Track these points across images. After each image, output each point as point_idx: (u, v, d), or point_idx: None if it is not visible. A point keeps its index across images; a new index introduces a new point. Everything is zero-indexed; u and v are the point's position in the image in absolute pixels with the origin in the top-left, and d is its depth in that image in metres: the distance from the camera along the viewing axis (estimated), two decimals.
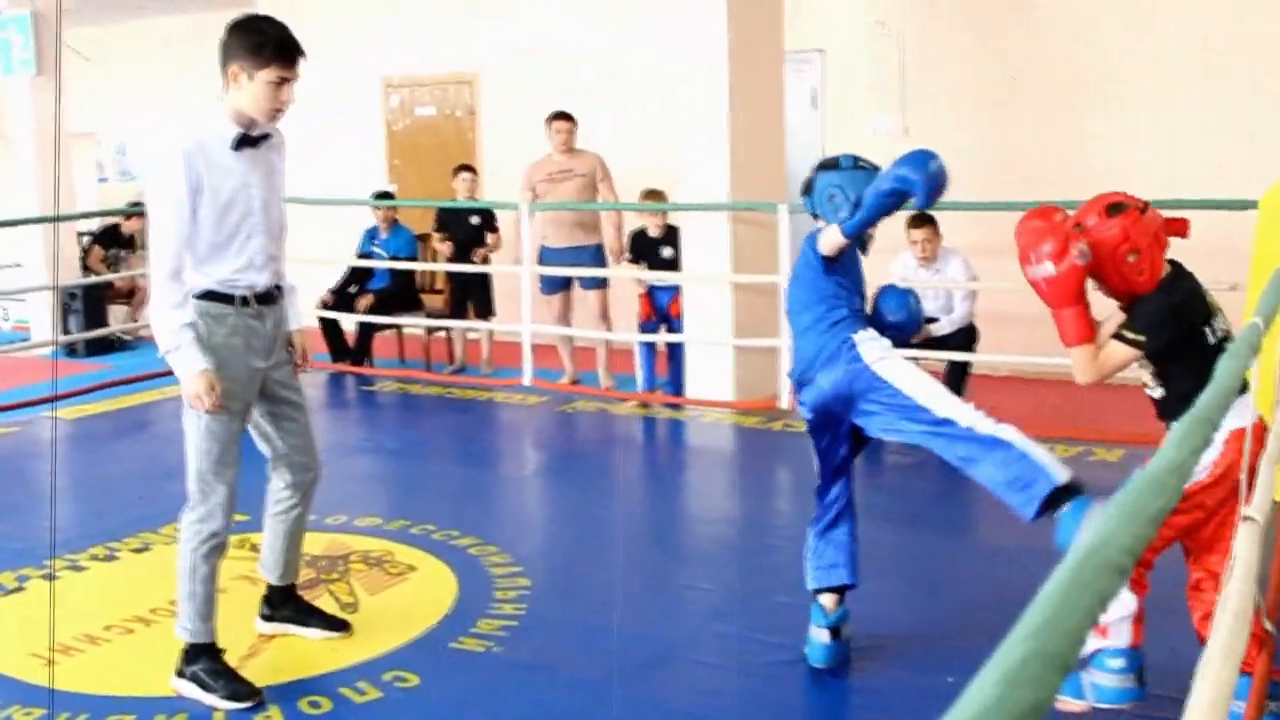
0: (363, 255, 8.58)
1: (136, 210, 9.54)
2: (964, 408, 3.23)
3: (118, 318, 10.08)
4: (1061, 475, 3.06)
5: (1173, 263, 3.04)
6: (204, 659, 3.53)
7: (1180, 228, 3.01)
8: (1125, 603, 2.98)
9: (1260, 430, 2.88)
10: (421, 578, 4.46)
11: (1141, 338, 2.98)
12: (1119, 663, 3.01)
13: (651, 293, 7.46)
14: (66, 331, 9.51)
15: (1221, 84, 7.24)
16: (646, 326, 7.47)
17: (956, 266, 6.57)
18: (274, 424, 3.68)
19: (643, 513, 5.45)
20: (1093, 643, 3.03)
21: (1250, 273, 4.80)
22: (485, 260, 8.31)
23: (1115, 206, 2.98)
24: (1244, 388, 2.88)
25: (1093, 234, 2.98)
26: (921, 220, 6.43)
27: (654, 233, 7.32)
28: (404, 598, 4.28)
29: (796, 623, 3.88)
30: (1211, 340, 2.98)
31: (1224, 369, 1.62)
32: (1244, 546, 2.27)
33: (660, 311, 7.45)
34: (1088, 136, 7.63)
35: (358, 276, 8.65)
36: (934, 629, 3.85)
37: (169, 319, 3.36)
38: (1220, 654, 1.83)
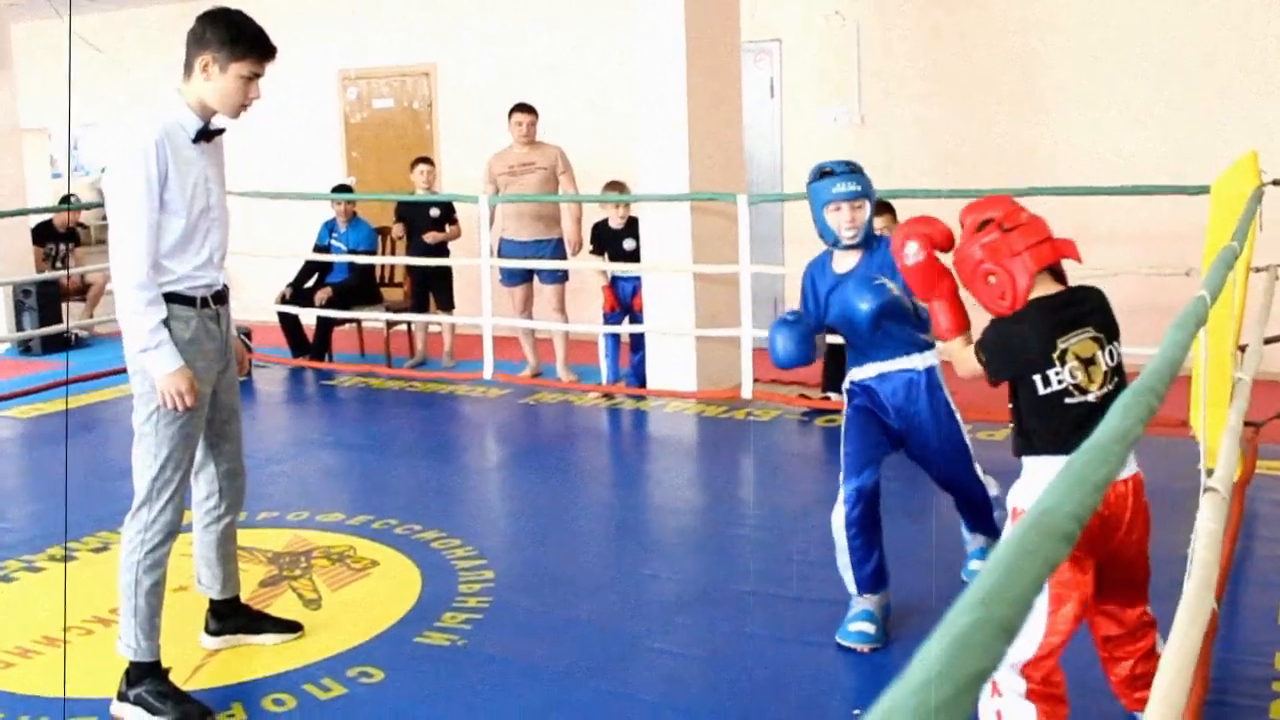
0: (321, 249, 8.52)
1: (70, 207, 9.46)
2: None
3: (74, 314, 9.95)
4: None
5: (1046, 299, 2.77)
6: (149, 679, 3.35)
7: (1069, 250, 2.78)
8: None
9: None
10: (385, 572, 4.44)
11: (985, 358, 2.86)
12: None
13: (615, 284, 7.45)
14: (20, 329, 9.39)
15: (1179, 73, 7.32)
16: (610, 318, 7.46)
17: None
18: (212, 430, 3.54)
19: (606, 503, 5.46)
20: None
21: (1204, 259, 4.86)
22: (439, 243, 8.26)
23: (982, 223, 2.77)
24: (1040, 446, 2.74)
25: (958, 251, 2.82)
26: (880, 208, 6.44)
27: (616, 224, 7.32)
28: (368, 593, 4.26)
29: (762, 611, 3.90)
30: (1042, 390, 2.73)
31: (1170, 340, 1.64)
32: (1207, 518, 2.31)
33: (624, 303, 7.45)
34: (1044, 125, 7.69)
35: (316, 270, 8.59)
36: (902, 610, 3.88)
37: (144, 316, 3.22)
38: (1184, 626, 1.86)
